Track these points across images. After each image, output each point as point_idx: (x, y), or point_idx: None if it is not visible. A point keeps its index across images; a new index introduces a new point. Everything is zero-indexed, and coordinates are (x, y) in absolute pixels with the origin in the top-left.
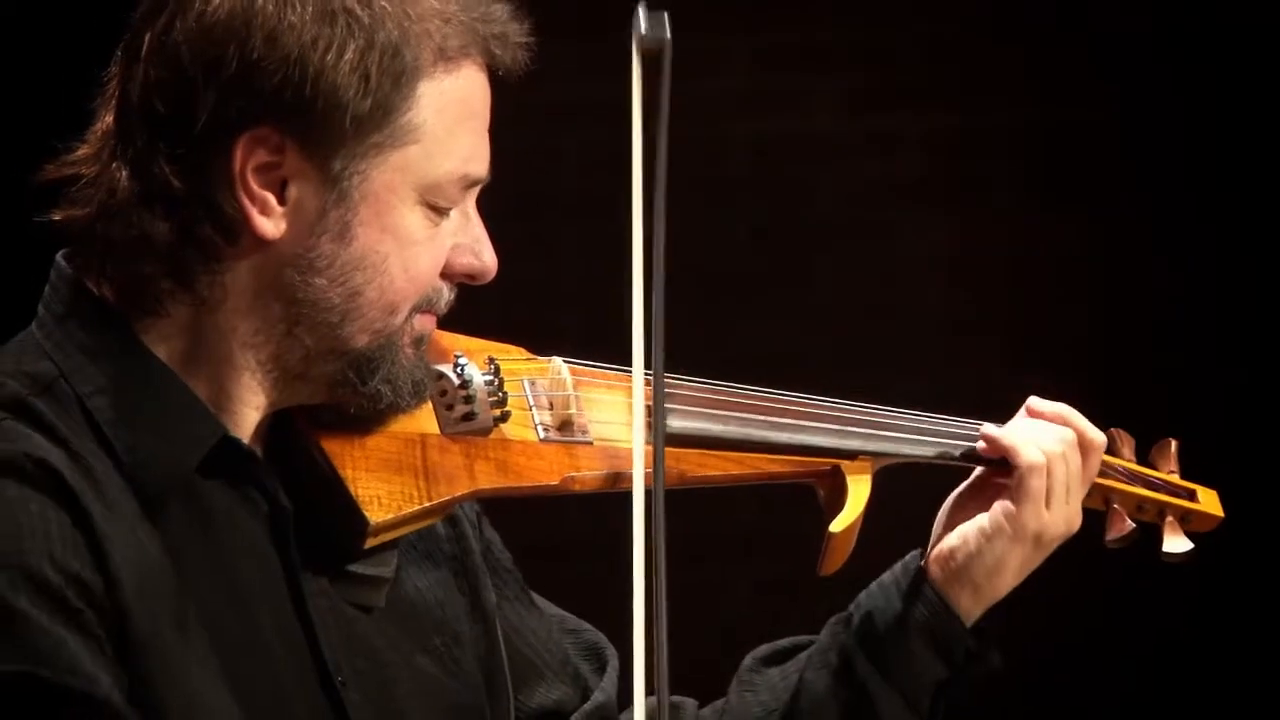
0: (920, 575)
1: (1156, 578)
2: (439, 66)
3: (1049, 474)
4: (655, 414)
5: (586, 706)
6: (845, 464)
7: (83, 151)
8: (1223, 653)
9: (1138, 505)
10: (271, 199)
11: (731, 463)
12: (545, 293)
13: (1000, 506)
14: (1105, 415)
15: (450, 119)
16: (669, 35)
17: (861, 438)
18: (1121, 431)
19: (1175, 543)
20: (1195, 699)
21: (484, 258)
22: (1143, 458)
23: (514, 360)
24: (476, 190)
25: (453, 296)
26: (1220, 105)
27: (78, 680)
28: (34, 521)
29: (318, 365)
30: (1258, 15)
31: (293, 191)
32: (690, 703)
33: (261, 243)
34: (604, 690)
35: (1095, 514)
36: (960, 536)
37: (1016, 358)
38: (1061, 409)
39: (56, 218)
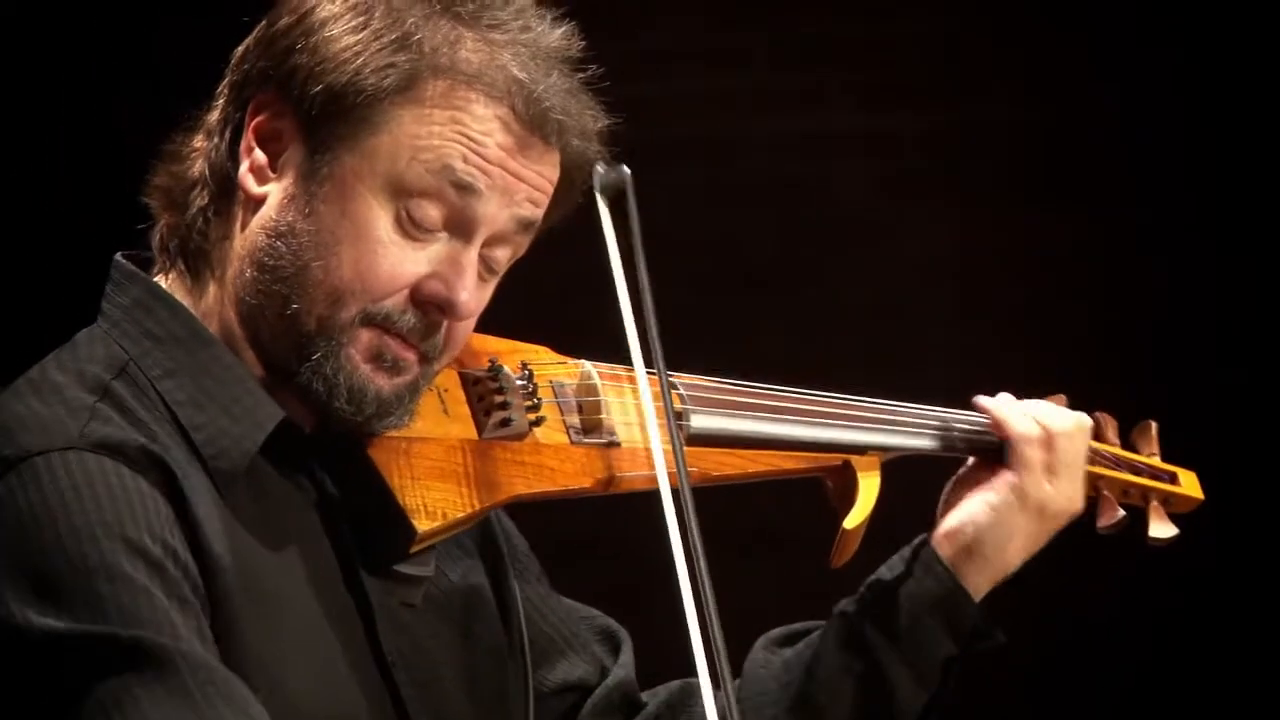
0: (930, 554)
1: (1156, 579)
2: (443, 80)
3: (1050, 446)
4: (668, 418)
5: (608, 682)
6: (855, 459)
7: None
8: (1222, 653)
9: (1123, 490)
10: (265, 161)
11: (748, 460)
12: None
13: (1004, 478)
14: (1105, 412)
15: (435, 125)
16: (628, 173)
17: (871, 432)
18: (1106, 415)
19: (1160, 528)
20: (1194, 699)
21: (454, 289)
22: (1124, 440)
23: (544, 364)
24: (477, 232)
25: (420, 325)
26: (1220, 105)
27: (177, 641)
28: (134, 498)
29: (278, 345)
30: (1258, 15)
31: (283, 160)
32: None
33: (254, 205)
34: (623, 667)
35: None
36: (968, 512)
37: (1016, 357)
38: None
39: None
